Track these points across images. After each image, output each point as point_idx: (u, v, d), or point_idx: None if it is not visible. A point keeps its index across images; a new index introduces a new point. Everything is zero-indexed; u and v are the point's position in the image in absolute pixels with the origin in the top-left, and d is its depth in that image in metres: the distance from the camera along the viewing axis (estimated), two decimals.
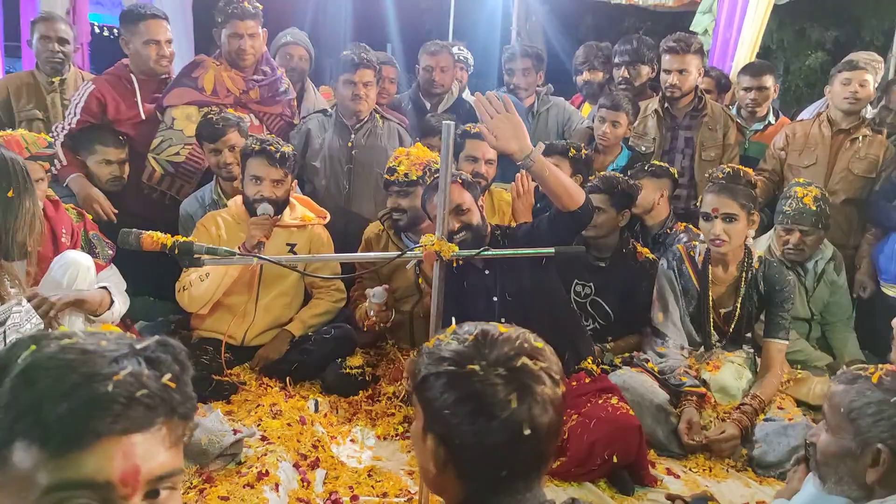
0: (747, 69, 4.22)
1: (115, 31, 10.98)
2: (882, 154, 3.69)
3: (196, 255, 1.87)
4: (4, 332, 1.97)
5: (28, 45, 4.02)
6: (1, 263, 1.95)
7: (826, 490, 1.59)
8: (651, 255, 3.35)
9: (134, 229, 1.87)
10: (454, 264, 2.35)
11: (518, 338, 1.13)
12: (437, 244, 2.02)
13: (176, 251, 1.85)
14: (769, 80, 4.12)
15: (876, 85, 3.94)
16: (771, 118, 4.20)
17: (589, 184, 3.31)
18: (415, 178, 3.09)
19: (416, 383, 1.14)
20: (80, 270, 2.51)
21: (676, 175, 3.60)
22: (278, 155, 3.04)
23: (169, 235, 1.90)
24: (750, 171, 3.06)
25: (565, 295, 3.10)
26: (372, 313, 3.03)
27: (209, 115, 3.39)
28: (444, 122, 1.96)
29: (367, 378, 3.08)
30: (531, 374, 1.09)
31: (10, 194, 1.88)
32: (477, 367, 1.08)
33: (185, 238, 1.99)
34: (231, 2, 3.58)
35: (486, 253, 2.26)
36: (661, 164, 3.60)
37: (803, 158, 3.80)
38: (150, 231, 1.88)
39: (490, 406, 1.06)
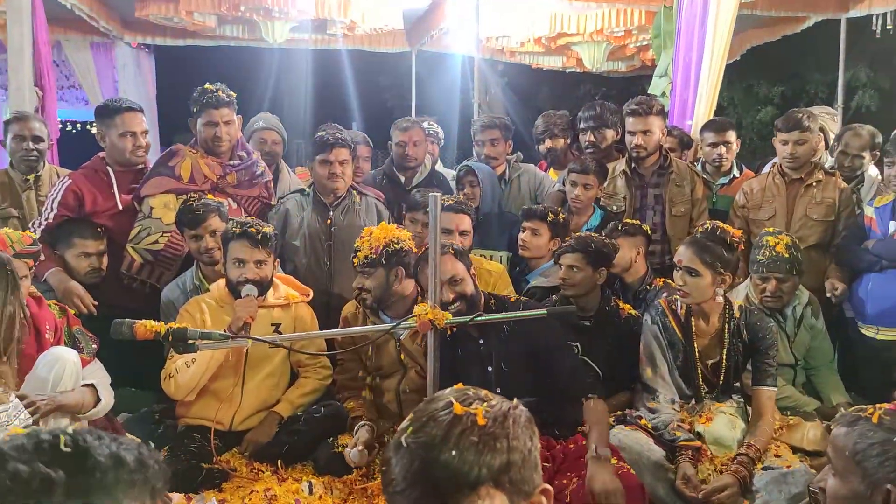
0: (709, 126, 4.39)
1: (78, 125, 11.08)
2: (837, 196, 3.79)
3: (190, 341, 1.85)
4: None
5: (2, 145, 4.03)
6: None
7: None
8: (634, 312, 3.39)
9: (126, 319, 1.86)
10: (448, 333, 2.36)
11: None
12: (431, 313, 2.03)
13: (170, 338, 1.83)
14: (732, 135, 4.29)
15: (833, 135, 4.11)
16: (735, 172, 4.36)
17: (563, 244, 3.38)
18: (373, 258, 3.06)
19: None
20: (67, 367, 2.49)
21: (650, 231, 3.69)
22: (259, 236, 3.05)
23: (162, 323, 1.89)
24: (736, 232, 3.11)
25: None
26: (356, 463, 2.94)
27: (189, 202, 3.41)
28: (430, 194, 2.01)
29: None
30: None
31: None
32: None
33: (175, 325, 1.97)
34: (205, 91, 3.66)
35: (479, 319, 2.28)
36: (634, 222, 3.68)
37: (763, 213, 3.89)
38: (143, 320, 1.87)
39: None
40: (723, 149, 4.28)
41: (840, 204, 3.79)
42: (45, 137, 3.93)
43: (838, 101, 5.26)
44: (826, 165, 4.10)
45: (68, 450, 0.88)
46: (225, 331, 2.85)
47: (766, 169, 4.39)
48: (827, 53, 6.90)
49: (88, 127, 11.84)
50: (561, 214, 3.72)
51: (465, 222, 3.58)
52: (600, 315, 3.30)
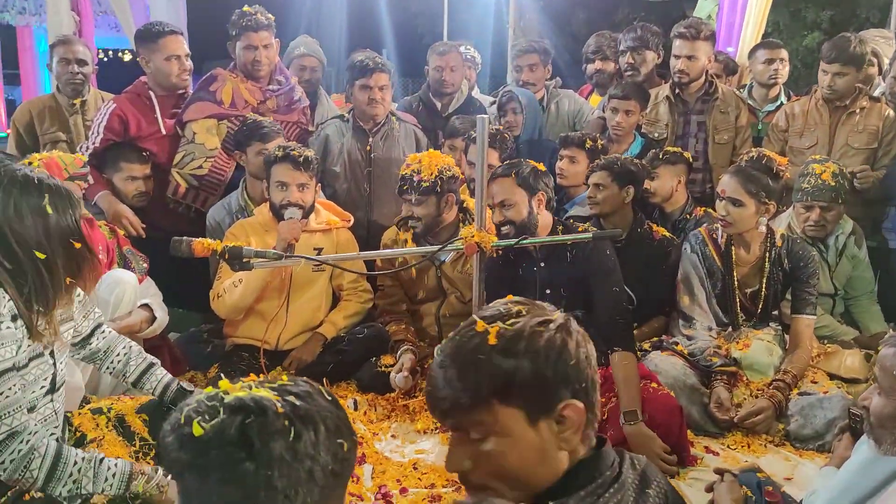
0: (763, 45, 4.22)
1: (110, 52, 11.01)
2: (881, 123, 3.69)
3: (245, 259, 1.91)
4: (54, 356, 1.96)
5: (48, 68, 4.07)
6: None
7: (882, 451, 1.62)
8: (668, 234, 3.38)
9: (185, 237, 1.91)
10: (495, 254, 2.38)
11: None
12: (478, 236, 2.05)
13: (226, 256, 1.89)
14: (785, 53, 4.15)
15: (887, 59, 3.96)
16: (783, 98, 4.23)
17: (591, 166, 3.39)
18: (427, 185, 3.07)
19: None
20: (127, 289, 2.62)
21: (691, 159, 3.64)
22: (302, 159, 3.09)
23: (218, 241, 1.94)
24: (782, 160, 3.05)
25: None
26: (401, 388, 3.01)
27: (257, 120, 3.43)
28: (478, 116, 2.01)
29: None
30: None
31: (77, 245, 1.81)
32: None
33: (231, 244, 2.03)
34: (244, 14, 3.64)
35: (524, 241, 2.30)
36: (675, 149, 3.62)
37: (804, 140, 3.80)
38: (201, 238, 1.92)
39: None
40: (778, 65, 4.13)
41: (883, 130, 3.69)
42: (90, 61, 3.95)
43: (891, 25, 5.02)
44: (877, 91, 3.97)
45: (331, 398, 1.04)
46: None
47: None
48: None
49: (120, 54, 11.83)
50: (599, 141, 3.68)
51: (493, 157, 3.56)
52: (633, 236, 3.29)
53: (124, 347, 2.23)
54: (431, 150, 3.35)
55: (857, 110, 3.71)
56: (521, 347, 1.10)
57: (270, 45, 3.69)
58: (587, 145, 3.64)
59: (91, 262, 1.84)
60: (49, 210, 1.76)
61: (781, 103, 4.18)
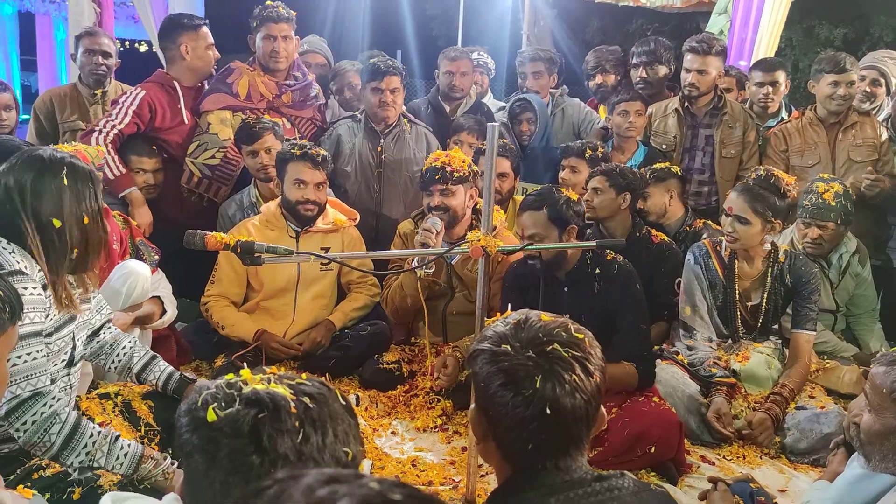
0: (760, 65, 4.24)
1: (128, 43, 11.07)
2: (877, 134, 3.73)
3: (257, 254, 1.95)
4: (73, 332, 2.06)
5: (72, 58, 4.13)
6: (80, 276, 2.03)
7: (871, 468, 1.66)
8: (666, 238, 3.42)
9: (199, 231, 1.96)
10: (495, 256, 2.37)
11: (556, 326, 1.22)
12: (483, 240, 2.09)
13: (238, 250, 1.94)
14: (781, 76, 4.14)
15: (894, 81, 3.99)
16: (784, 114, 4.23)
17: (591, 172, 3.43)
18: (461, 175, 3.10)
19: (468, 358, 1.26)
20: (140, 280, 2.66)
21: (679, 171, 3.65)
22: (320, 158, 3.16)
23: (231, 235, 1.99)
24: (790, 179, 3.07)
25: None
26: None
27: (247, 120, 3.49)
28: (488, 124, 2.04)
29: (403, 373, 3.15)
30: (560, 360, 1.17)
31: (86, 221, 1.93)
32: (509, 347, 1.19)
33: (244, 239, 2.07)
34: (266, 7, 3.71)
35: (529, 248, 2.34)
36: (663, 165, 3.65)
37: (807, 159, 3.81)
38: (214, 232, 1.97)
39: (515, 383, 1.16)
40: (769, 89, 4.11)
41: (880, 148, 3.71)
42: (114, 53, 4.02)
43: None
44: (882, 115, 3.99)
45: (345, 402, 1.07)
46: None
47: None
48: None
49: (137, 45, 11.90)
50: (600, 148, 3.71)
51: (504, 165, 3.59)
52: (631, 241, 3.28)
53: (130, 341, 2.31)
54: (457, 148, 3.39)
55: (851, 125, 3.74)
56: (490, 351, 1.24)
57: (290, 39, 3.75)
58: (587, 154, 3.67)
59: (99, 238, 1.98)
60: (65, 183, 1.89)
61: (782, 118, 4.19)
